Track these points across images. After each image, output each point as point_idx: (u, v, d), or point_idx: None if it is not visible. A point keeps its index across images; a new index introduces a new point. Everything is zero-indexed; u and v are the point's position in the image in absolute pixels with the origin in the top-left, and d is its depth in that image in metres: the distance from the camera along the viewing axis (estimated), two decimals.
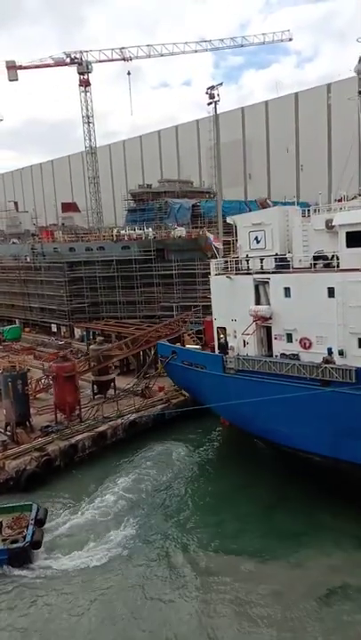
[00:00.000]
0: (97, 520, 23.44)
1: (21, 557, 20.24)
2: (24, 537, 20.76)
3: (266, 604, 17.59)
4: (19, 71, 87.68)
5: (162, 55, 78.03)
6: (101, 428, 30.67)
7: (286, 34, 77.42)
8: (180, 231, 53.86)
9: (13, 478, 26.45)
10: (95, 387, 35.66)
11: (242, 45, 76.56)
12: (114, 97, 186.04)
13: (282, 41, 77.71)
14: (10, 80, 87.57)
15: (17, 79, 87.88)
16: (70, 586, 19.25)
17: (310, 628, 16.44)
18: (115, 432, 31.05)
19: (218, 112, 68.01)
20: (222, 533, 22.31)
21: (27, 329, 59.87)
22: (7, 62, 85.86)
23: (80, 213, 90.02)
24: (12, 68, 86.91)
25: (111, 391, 35.89)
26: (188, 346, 32.30)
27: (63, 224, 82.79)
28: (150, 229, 54.38)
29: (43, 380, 35.89)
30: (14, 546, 20.46)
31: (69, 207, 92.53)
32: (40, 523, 22.10)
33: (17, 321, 62.18)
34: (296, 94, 75.85)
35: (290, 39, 78.15)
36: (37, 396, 35.74)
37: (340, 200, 28.23)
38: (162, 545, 21.59)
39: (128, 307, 52.09)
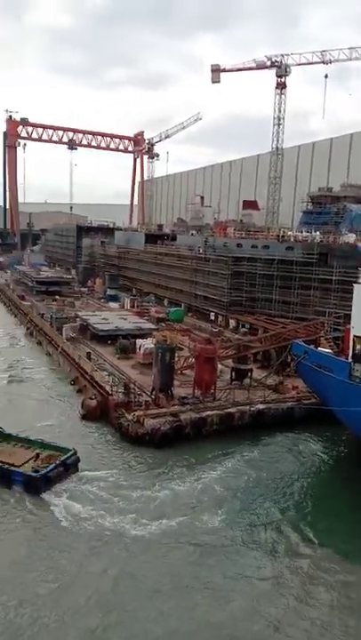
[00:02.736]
0: (207, 484, 26.56)
1: (31, 485, 24.04)
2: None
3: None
4: (221, 74, 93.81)
5: None
6: (230, 410, 33.61)
7: None
8: (350, 237, 53.30)
9: (149, 434, 30.89)
10: (233, 373, 38.65)
11: None
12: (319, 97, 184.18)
13: None
14: (213, 82, 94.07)
15: (219, 81, 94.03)
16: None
17: None
18: (242, 416, 33.64)
19: None
20: (317, 528, 23.56)
21: (190, 314, 65.54)
22: (212, 66, 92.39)
23: (259, 212, 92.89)
24: (217, 71, 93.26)
25: (248, 380, 38.50)
26: (320, 349, 33.12)
27: (241, 221, 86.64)
28: (317, 233, 54.85)
29: (190, 359, 40.23)
30: (28, 473, 24.38)
31: (250, 205, 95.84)
32: (66, 466, 25.51)
33: (182, 305, 68.35)
34: None
35: None
36: (184, 371, 40.25)
37: None
38: (252, 521, 23.70)
39: (283, 306, 53.65)
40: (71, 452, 26.66)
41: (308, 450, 31.58)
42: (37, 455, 26.28)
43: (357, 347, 29.39)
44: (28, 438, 28.72)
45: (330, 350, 32.94)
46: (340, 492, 27.64)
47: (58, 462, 25.42)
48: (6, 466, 25.06)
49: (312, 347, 33.20)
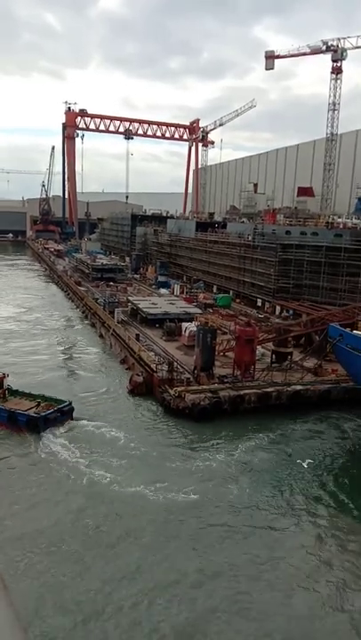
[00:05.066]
0: (242, 456, 28.36)
1: (32, 425, 29.27)
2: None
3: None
4: (276, 60, 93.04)
5: None
6: (268, 390, 35.08)
7: None
8: None
9: (189, 408, 33.01)
10: (274, 356, 39.93)
11: None
12: None
13: None
14: (266, 69, 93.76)
15: (273, 68, 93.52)
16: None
17: None
18: (279, 396, 35.04)
19: None
20: (342, 499, 24.90)
21: (237, 300, 66.83)
22: (266, 52, 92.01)
23: (314, 198, 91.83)
24: (271, 57, 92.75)
25: (287, 363, 39.62)
26: (355, 332, 33.73)
27: (295, 207, 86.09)
28: None
29: (232, 342, 41.83)
30: (30, 414, 29.60)
31: (305, 191, 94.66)
32: (62, 412, 30.67)
33: (231, 292, 69.70)
34: None
35: None
36: (226, 353, 41.95)
37: None
38: (283, 490, 25.37)
39: (330, 293, 53.90)
40: (66, 403, 31.58)
41: (342, 428, 32.65)
42: (39, 404, 31.35)
43: None
44: (31, 393, 33.16)
45: None
46: None
47: (55, 409, 30.84)
48: (13, 409, 30.37)
49: (348, 330, 33.94)
